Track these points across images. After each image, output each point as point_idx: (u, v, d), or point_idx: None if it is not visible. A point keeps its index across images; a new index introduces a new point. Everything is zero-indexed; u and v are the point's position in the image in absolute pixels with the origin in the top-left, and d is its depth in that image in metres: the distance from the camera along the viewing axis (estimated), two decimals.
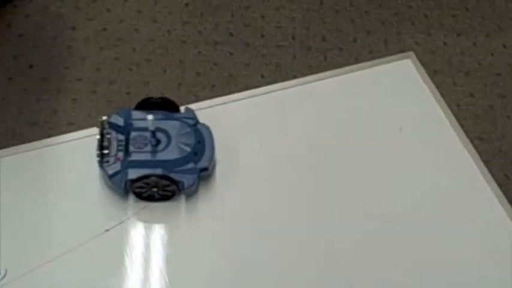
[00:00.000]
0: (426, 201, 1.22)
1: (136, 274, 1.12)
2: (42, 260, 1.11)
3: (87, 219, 1.17)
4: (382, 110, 1.34)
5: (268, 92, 1.37)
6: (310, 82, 1.39)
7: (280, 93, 1.37)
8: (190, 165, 1.16)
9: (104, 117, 1.17)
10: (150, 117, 1.14)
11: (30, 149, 1.27)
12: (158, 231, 1.16)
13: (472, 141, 1.29)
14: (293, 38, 1.51)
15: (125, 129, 1.18)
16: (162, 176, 1.13)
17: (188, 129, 1.19)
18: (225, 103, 1.33)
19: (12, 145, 1.28)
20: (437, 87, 1.35)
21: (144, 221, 1.17)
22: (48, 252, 1.12)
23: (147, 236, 1.16)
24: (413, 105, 1.36)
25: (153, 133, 1.16)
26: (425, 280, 1.13)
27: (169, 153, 1.16)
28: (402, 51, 1.47)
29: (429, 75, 1.40)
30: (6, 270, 1.11)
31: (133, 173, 1.14)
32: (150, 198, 1.18)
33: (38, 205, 1.19)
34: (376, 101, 1.36)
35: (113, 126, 1.18)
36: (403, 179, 1.25)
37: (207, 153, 1.18)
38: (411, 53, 1.45)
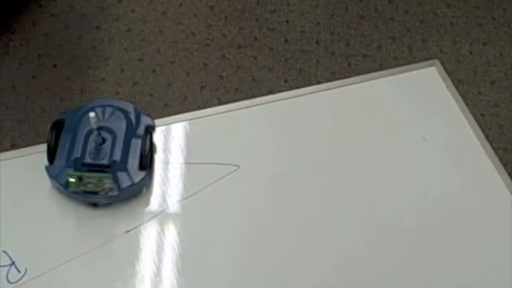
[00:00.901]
0: (449, 210, 1.21)
1: (155, 276, 1.12)
2: (62, 259, 1.12)
3: (107, 219, 1.17)
4: (405, 117, 1.33)
5: (291, 97, 1.36)
6: (333, 88, 1.39)
7: (304, 98, 1.36)
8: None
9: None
10: (91, 114, 1.12)
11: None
12: (176, 234, 1.16)
13: (496, 152, 1.27)
14: (317, 43, 1.51)
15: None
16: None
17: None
18: (247, 107, 1.32)
19: (36, 144, 1.29)
20: (462, 96, 1.34)
21: (163, 224, 1.17)
22: (69, 252, 1.13)
23: (166, 238, 1.15)
24: (438, 113, 1.34)
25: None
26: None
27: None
28: (427, 58, 1.46)
29: (454, 83, 1.39)
30: (26, 269, 1.11)
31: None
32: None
33: (59, 205, 1.19)
34: (399, 108, 1.34)
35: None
36: (425, 188, 1.23)
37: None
38: (436, 61, 1.43)
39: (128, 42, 1.57)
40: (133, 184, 1.14)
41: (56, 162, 1.16)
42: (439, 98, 1.36)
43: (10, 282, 1.10)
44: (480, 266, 1.15)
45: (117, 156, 1.15)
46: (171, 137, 1.29)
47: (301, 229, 1.18)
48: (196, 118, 1.32)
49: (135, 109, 1.19)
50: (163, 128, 1.31)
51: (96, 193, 1.15)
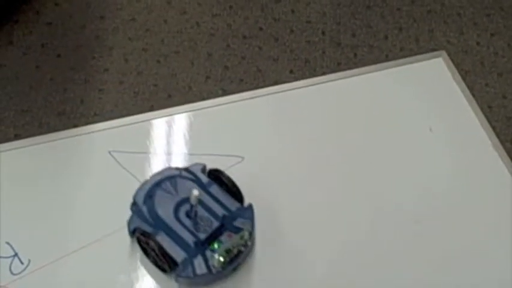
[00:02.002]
0: (454, 202, 1.20)
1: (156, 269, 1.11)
2: (66, 251, 1.11)
3: (110, 211, 1.16)
4: (412, 109, 1.32)
5: (296, 88, 1.35)
6: (339, 79, 1.38)
7: (309, 89, 1.35)
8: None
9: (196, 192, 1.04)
10: (195, 192, 1.03)
11: (56, 138, 1.27)
12: None
13: (503, 144, 1.26)
14: (323, 34, 1.49)
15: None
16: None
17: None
18: (252, 98, 1.32)
19: (39, 134, 1.28)
20: (469, 87, 1.32)
21: None
22: (71, 244, 1.12)
23: None
24: (444, 105, 1.33)
25: (197, 206, 1.06)
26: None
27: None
28: (434, 49, 1.45)
29: (461, 75, 1.37)
30: (29, 260, 1.11)
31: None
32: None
33: (63, 195, 1.19)
34: (406, 99, 1.33)
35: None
36: (431, 180, 1.22)
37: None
38: (443, 52, 1.42)
39: (132, 32, 1.55)
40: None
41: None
42: (445, 90, 1.35)
43: (13, 274, 1.09)
44: (483, 258, 1.14)
45: (220, 211, 1.07)
46: (175, 127, 1.28)
47: (305, 220, 1.17)
48: (201, 109, 1.31)
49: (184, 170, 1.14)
50: (167, 118, 1.30)
51: (239, 255, 1.06)
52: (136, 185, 1.18)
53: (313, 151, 1.25)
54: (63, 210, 1.17)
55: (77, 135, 1.28)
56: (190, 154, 1.24)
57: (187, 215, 1.07)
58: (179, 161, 1.23)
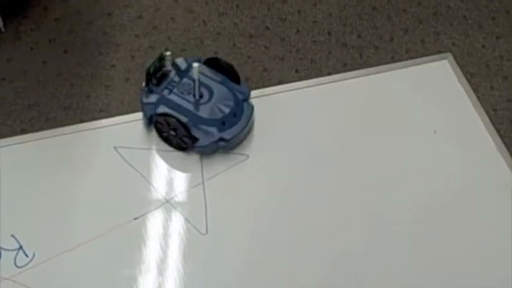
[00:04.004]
0: (458, 204, 1.20)
1: (161, 262, 1.12)
2: (71, 245, 1.12)
3: (116, 206, 1.17)
4: (416, 110, 1.32)
5: (302, 88, 1.36)
6: (345, 79, 1.38)
7: (314, 89, 1.36)
8: (213, 130, 1.19)
9: (168, 52, 1.21)
10: (195, 64, 1.18)
11: (62, 133, 1.28)
12: (183, 222, 1.16)
13: (507, 147, 1.26)
14: (329, 34, 1.50)
15: (183, 74, 1.22)
16: (182, 123, 1.17)
17: (231, 100, 1.21)
18: (258, 97, 1.32)
19: (45, 129, 1.29)
20: (474, 90, 1.33)
21: (170, 211, 1.17)
22: (76, 238, 1.13)
23: (173, 225, 1.15)
24: (449, 107, 1.33)
25: (200, 87, 1.20)
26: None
27: (202, 110, 1.19)
28: (439, 51, 1.45)
29: (466, 77, 1.38)
30: (34, 253, 1.11)
31: (161, 108, 1.19)
32: (167, 140, 1.22)
33: (68, 190, 1.20)
34: (411, 101, 1.34)
35: (175, 66, 1.23)
36: (434, 181, 1.23)
37: (235, 128, 1.21)
38: (448, 54, 1.43)
39: (139, 29, 1.56)
40: None
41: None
42: (450, 92, 1.35)
43: (18, 267, 1.10)
44: (485, 258, 1.14)
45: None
46: None
47: (308, 219, 1.17)
48: None
49: None
50: None
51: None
52: (141, 181, 1.19)
53: (317, 151, 1.26)
54: (68, 204, 1.18)
55: (83, 131, 1.29)
56: (194, 151, 1.24)
57: (194, 95, 1.20)
58: (182, 157, 1.23)
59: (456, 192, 1.22)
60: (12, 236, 1.13)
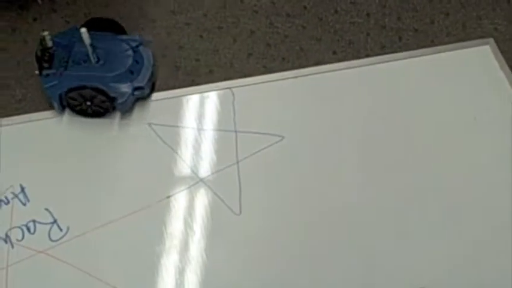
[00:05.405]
0: (495, 193, 1.18)
1: (192, 241, 1.11)
2: (104, 220, 1.12)
3: (149, 183, 1.17)
4: (456, 96, 1.30)
5: (339, 69, 1.34)
6: (382, 62, 1.36)
7: (352, 71, 1.34)
8: (125, 83, 1.22)
9: (46, 32, 1.22)
10: (83, 29, 1.19)
11: None
12: (215, 201, 1.15)
13: None
14: (368, 15, 1.47)
15: (69, 47, 1.24)
16: (97, 89, 1.19)
17: (128, 49, 1.25)
18: (294, 77, 1.31)
19: None
20: None
21: (203, 191, 1.16)
22: (110, 214, 1.13)
23: (205, 205, 1.15)
24: (490, 94, 1.30)
25: (94, 50, 1.22)
26: None
27: (106, 70, 1.22)
28: (481, 37, 1.41)
29: (508, 63, 1.35)
30: (68, 228, 1.12)
31: (68, 84, 1.19)
32: (84, 113, 1.23)
33: (102, 166, 1.20)
34: (451, 86, 1.31)
35: (58, 44, 1.24)
36: (472, 169, 1.21)
37: (144, 73, 1.25)
38: (490, 40, 1.40)
39: (175, 6, 1.54)
40: None
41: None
42: (491, 78, 1.33)
43: (52, 240, 1.11)
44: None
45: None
46: (215, 103, 1.28)
47: (345, 201, 1.16)
48: (242, 86, 1.31)
49: None
50: (207, 94, 1.30)
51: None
52: (175, 159, 1.19)
53: (353, 134, 1.24)
54: (102, 180, 1.18)
55: None
56: (228, 131, 1.23)
57: (91, 60, 1.21)
58: (217, 137, 1.23)
59: (493, 180, 1.20)
60: (47, 209, 1.14)
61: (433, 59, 1.35)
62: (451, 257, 1.10)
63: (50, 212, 1.13)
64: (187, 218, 1.13)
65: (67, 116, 1.24)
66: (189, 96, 1.29)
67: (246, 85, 1.31)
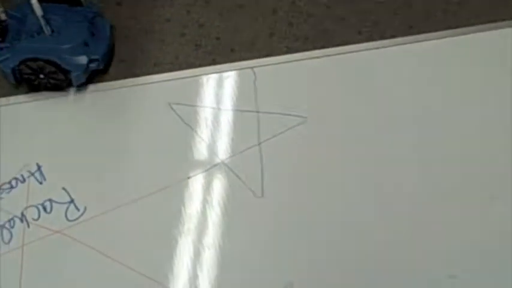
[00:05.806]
0: None
1: (211, 222, 1.09)
2: (122, 201, 1.10)
3: (169, 164, 1.14)
4: (487, 79, 1.26)
5: (364, 50, 1.30)
6: (409, 43, 1.32)
7: (377, 51, 1.30)
8: (80, 55, 1.19)
9: None
10: (33, 0, 1.15)
11: (116, 87, 1.26)
12: (236, 183, 1.13)
13: None
14: None
15: (23, 20, 1.21)
16: (49, 61, 1.16)
17: (83, 21, 1.22)
18: (318, 57, 1.27)
19: (99, 82, 1.26)
20: None
21: (224, 172, 1.14)
22: (128, 194, 1.11)
23: (226, 186, 1.12)
24: None
25: (48, 22, 1.19)
26: None
27: (60, 42, 1.18)
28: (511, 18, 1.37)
29: None
30: (85, 207, 1.10)
31: (19, 57, 1.16)
32: (40, 87, 1.21)
33: (121, 145, 1.18)
34: (480, 68, 1.27)
35: (12, 17, 1.21)
36: (508, 155, 1.17)
37: (100, 45, 1.23)
38: None
39: None
40: None
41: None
42: None
43: (68, 220, 1.09)
44: None
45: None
46: (236, 82, 1.25)
47: (370, 183, 1.13)
48: (264, 65, 1.28)
49: None
50: (228, 73, 1.27)
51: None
52: (196, 139, 1.16)
53: (377, 116, 1.21)
54: (120, 160, 1.16)
55: (137, 85, 1.26)
56: (249, 111, 1.21)
57: (45, 31, 1.18)
58: (239, 117, 1.20)
59: None
60: (64, 188, 1.12)
61: (461, 40, 1.31)
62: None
63: (67, 191, 1.11)
64: (207, 199, 1.11)
65: (85, 94, 1.22)
66: (209, 76, 1.26)
67: (268, 64, 1.28)
